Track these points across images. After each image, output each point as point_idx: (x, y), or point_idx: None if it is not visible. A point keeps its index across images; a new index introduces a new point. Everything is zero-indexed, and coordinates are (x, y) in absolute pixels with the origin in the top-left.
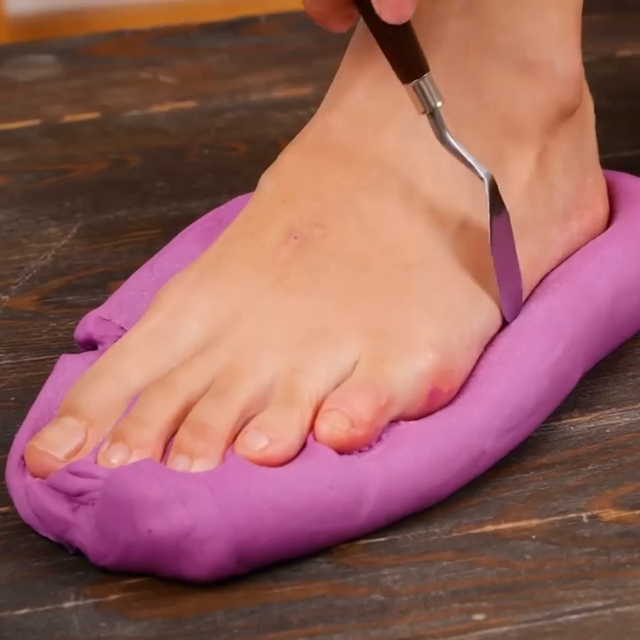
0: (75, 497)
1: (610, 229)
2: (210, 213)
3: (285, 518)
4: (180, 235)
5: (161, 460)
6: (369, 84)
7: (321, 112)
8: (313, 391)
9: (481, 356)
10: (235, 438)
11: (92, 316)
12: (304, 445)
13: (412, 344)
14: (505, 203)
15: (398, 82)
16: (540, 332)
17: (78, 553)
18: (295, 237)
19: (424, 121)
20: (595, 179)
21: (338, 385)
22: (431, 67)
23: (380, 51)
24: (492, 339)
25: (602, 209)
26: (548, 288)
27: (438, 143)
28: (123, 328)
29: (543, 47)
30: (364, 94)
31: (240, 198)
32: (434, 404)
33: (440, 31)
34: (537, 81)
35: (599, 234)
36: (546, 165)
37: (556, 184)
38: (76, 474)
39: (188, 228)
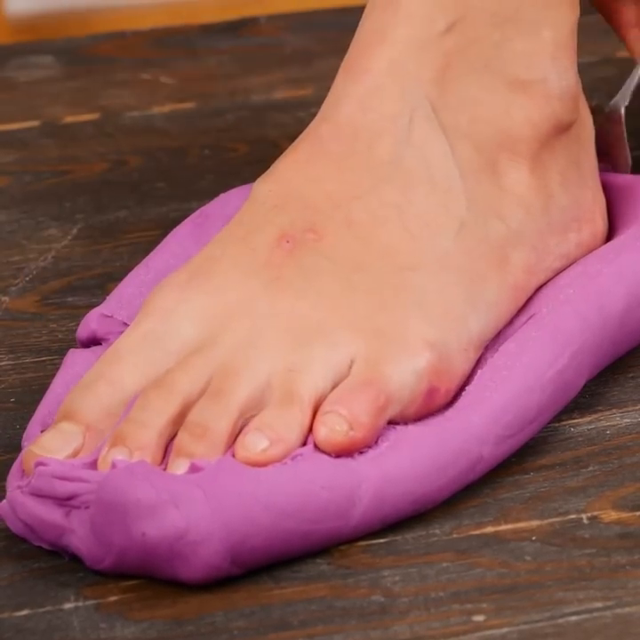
0: (65, 501)
1: (629, 234)
2: (198, 211)
3: (278, 518)
4: (171, 233)
5: (161, 463)
6: (362, 98)
7: (315, 123)
8: (311, 390)
9: (486, 360)
10: (235, 439)
11: (95, 313)
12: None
13: (409, 343)
14: (500, 213)
15: (392, 96)
16: (547, 339)
17: (74, 558)
18: (287, 242)
19: (417, 132)
20: (594, 194)
21: (335, 384)
22: (421, 83)
23: (373, 64)
24: (499, 342)
25: (601, 224)
26: (561, 293)
27: (434, 150)
28: (125, 323)
29: (536, 65)
30: (357, 108)
31: (227, 193)
32: (431, 403)
33: (427, 50)
34: (530, 98)
35: (598, 248)
36: (542, 178)
37: (553, 196)
38: (63, 478)
39: (179, 225)
